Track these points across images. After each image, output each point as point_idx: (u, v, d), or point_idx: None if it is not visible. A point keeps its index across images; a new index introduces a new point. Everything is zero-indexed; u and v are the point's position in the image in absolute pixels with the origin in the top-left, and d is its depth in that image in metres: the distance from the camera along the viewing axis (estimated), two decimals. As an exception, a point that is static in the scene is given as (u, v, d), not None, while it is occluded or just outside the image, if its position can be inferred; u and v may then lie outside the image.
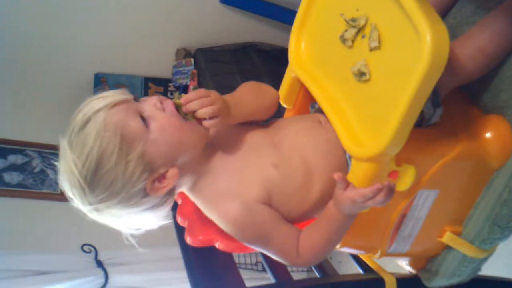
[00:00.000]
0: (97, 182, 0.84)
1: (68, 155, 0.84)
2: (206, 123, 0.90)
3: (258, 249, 0.97)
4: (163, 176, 0.88)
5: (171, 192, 0.92)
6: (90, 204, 0.86)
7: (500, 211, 0.96)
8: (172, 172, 0.88)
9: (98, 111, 0.85)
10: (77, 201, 0.87)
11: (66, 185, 0.87)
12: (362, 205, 0.85)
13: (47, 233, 2.39)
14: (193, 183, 0.95)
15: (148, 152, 0.86)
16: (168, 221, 0.95)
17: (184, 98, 0.89)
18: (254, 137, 0.98)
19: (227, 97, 0.96)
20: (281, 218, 0.93)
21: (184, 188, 0.96)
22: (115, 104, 0.86)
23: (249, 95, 1.03)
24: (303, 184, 0.94)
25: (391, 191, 0.84)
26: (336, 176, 0.85)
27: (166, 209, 0.93)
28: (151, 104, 0.89)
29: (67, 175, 0.85)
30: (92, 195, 0.85)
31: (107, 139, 0.83)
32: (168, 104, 0.90)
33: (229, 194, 0.92)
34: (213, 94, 0.91)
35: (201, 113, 0.89)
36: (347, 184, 0.86)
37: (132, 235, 0.93)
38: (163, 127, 0.87)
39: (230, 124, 0.99)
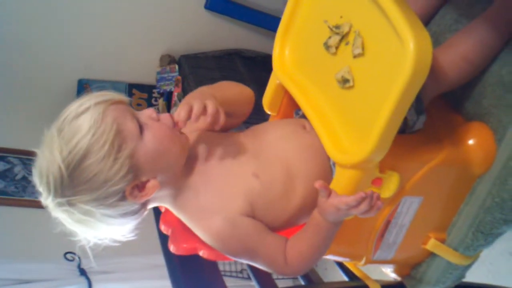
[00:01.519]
0: (79, 172, 0.82)
1: (54, 141, 0.82)
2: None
3: (245, 262, 0.96)
4: (143, 185, 0.87)
5: (144, 205, 0.91)
6: (63, 196, 0.83)
7: (484, 217, 0.97)
8: (152, 183, 0.88)
9: (98, 103, 0.84)
10: (47, 193, 0.84)
11: (41, 172, 0.83)
12: (346, 212, 0.85)
13: (30, 241, 2.36)
14: (174, 198, 0.94)
15: (137, 155, 0.85)
16: (133, 237, 0.92)
17: (181, 119, 0.88)
18: (234, 146, 0.97)
19: (205, 88, 0.97)
20: (266, 228, 0.93)
21: (165, 203, 0.96)
22: (116, 102, 0.87)
23: (226, 86, 1.03)
24: (285, 191, 0.94)
25: (374, 201, 0.84)
26: (317, 184, 0.85)
27: (135, 222, 0.91)
28: (147, 114, 0.89)
29: (46, 162, 0.82)
30: (70, 185, 0.82)
31: (101, 130, 0.82)
32: (165, 115, 0.91)
33: (211, 209, 0.91)
34: (197, 103, 0.89)
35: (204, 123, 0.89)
36: (329, 192, 0.85)
37: (114, 242, 0.91)
38: (156, 135, 0.87)
39: (209, 132, 0.99)
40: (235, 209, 0.91)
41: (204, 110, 0.88)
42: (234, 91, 1.04)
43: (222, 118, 0.90)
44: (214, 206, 0.92)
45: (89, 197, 0.83)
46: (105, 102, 0.85)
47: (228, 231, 0.90)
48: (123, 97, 0.89)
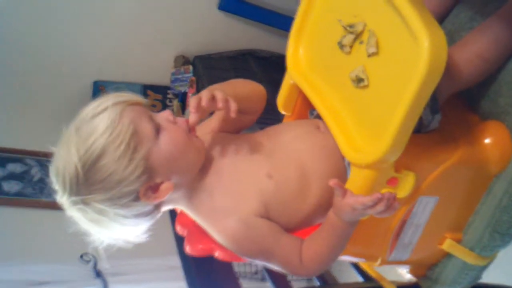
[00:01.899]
0: (95, 171, 0.82)
1: (72, 139, 0.83)
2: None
3: (260, 263, 0.96)
4: (157, 187, 0.88)
5: (158, 207, 0.91)
6: (78, 194, 0.84)
7: (500, 217, 0.96)
8: (166, 185, 0.88)
9: (116, 104, 0.86)
10: (63, 191, 0.85)
11: (58, 170, 0.85)
12: (362, 212, 0.84)
13: (46, 242, 2.37)
14: (188, 200, 0.94)
15: (152, 157, 0.86)
16: (147, 238, 0.93)
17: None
18: (247, 147, 0.97)
19: (215, 85, 0.97)
20: (281, 229, 0.92)
21: (180, 205, 0.96)
22: (134, 103, 0.88)
23: (237, 82, 1.03)
24: (299, 191, 0.93)
25: (390, 202, 0.83)
26: (332, 183, 0.84)
27: (148, 223, 0.92)
28: (163, 116, 0.90)
29: (63, 160, 0.84)
30: (85, 184, 0.83)
31: (118, 130, 0.83)
32: (181, 119, 0.91)
33: (226, 211, 0.91)
34: (205, 93, 0.89)
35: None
36: (344, 191, 0.85)
37: (127, 243, 0.92)
38: (172, 138, 0.88)
39: (222, 133, 1.00)
40: (249, 210, 0.91)
41: (213, 99, 0.89)
42: (245, 87, 1.04)
43: (233, 106, 0.90)
44: (228, 207, 0.92)
45: (104, 196, 0.84)
46: (123, 102, 0.86)
47: (243, 232, 0.90)
48: (140, 98, 0.91)
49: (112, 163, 0.82)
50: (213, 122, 1.05)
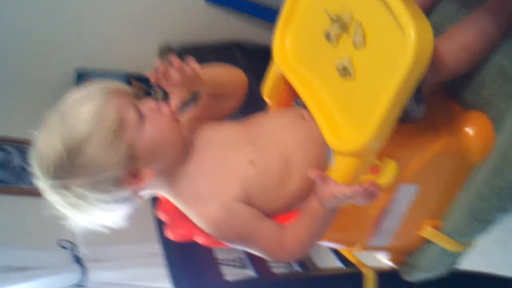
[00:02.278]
0: (78, 156, 0.83)
1: (56, 124, 0.84)
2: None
3: (241, 248, 0.97)
4: (138, 173, 0.89)
5: (138, 192, 0.91)
6: (59, 178, 0.84)
7: (480, 205, 0.97)
8: (147, 171, 0.89)
9: (102, 91, 0.86)
10: (43, 174, 0.85)
11: (40, 154, 0.85)
12: (343, 200, 0.86)
13: (26, 228, 2.35)
14: (170, 186, 0.95)
15: (136, 144, 0.87)
16: (126, 224, 0.93)
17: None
18: (230, 133, 0.98)
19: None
20: (262, 215, 0.93)
21: (162, 191, 0.97)
22: (119, 91, 0.89)
23: (214, 66, 1.03)
24: (282, 179, 0.94)
25: (371, 192, 0.84)
26: (312, 174, 0.86)
27: (128, 209, 0.92)
28: (148, 105, 0.91)
29: (46, 144, 0.84)
30: (67, 168, 0.83)
31: (104, 116, 0.84)
32: (164, 106, 0.92)
33: (207, 196, 0.92)
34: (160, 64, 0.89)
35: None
36: (324, 179, 0.87)
37: (106, 228, 0.92)
38: (156, 126, 0.89)
39: (204, 119, 1.01)
40: (230, 195, 0.92)
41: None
42: (222, 70, 1.05)
43: (189, 69, 0.90)
44: (209, 192, 0.93)
45: (85, 181, 0.84)
46: (108, 89, 0.87)
47: (224, 217, 0.91)
48: (126, 87, 0.91)
49: (96, 149, 0.83)
50: (194, 110, 1.05)
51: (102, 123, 0.83)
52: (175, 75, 0.90)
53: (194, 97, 2.11)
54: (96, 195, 0.86)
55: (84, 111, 0.84)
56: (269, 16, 2.42)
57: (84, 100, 0.85)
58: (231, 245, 0.97)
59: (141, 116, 0.88)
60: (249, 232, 0.92)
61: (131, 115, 0.87)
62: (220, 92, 1.03)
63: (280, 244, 0.92)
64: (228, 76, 1.05)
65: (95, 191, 0.85)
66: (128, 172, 0.87)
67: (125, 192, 0.89)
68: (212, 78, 0.99)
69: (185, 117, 1.02)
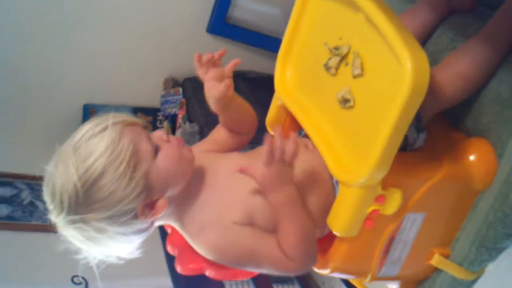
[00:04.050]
0: (95, 190, 0.83)
1: (70, 158, 0.83)
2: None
3: (250, 269, 0.97)
4: (153, 204, 0.89)
5: (152, 222, 0.92)
6: (77, 213, 0.83)
7: (486, 232, 0.97)
8: (162, 202, 0.89)
9: (115, 123, 0.86)
10: (60, 210, 0.84)
11: (54, 189, 0.84)
12: (277, 173, 0.87)
13: (37, 265, 2.35)
14: (178, 215, 0.95)
15: (150, 175, 0.87)
16: (139, 254, 0.93)
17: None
18: (235, 165, 0.98)
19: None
20: (262, 232, 0.93)
21: (170, 221, 0.97)
22: (132, 123, 0.90)
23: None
24: None
25: (285, 145, 0.86)
26: (239, 171, 0.88)
27: (141, 240, 0.93)
28: (158, 135, 0.92)
29: (61, 179, 0.83)
30: (85, 203, 0.83)
31: (119, 150, 0.84)
32: (173, 137, 0.94)
33: (210, 224, 0.93)
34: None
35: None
36: (252, 171, 0.88)
37: (120, 260, 0.92)
38: (167, 156, 0.90)
39: (214, 152, 1.02)
40: (230, 218, 0.92)
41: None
42: (246, 104, 1.07)
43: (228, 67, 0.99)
44: (212, 220, 0.93)
45: (104, 214, 0.84)
46: (121, 122, 0.87)
47: (223, 239, 0.91)
48: (137, 119, 0.92)
49: (113, 182, 0.83)
50: (205, 144, 1.07)
51: (117, 155, 0.83)
52: (216, 64, 0.98)
53: (199, 130, 2.13)
54: (114, 228, 0.86)
55: (98, 143, 0.83)
56: (271, 45, 2.45)
57: (97, 133, 0.85)
58: (239, 267, 0.96)
59: (154, 147, 0.89)
60: (252, 248, 0.91)
61: (145, 146, 0.88)
62: (236, 128, 1.05)
63: (285, 255, 0.91)
64: (248, 109, 1.07)
65: (114, 224, 0.85)
66: (144, 204, 0.87)
67: (143, 224, 0.89)
68: (238, 101, 1.02)
69: (195, 149, 1.04)
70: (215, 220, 0.93)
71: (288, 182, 0.90)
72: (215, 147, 1.06)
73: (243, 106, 1.06)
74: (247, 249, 0.91)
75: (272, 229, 0.93)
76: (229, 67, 1.00)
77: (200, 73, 0.99)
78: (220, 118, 1.06)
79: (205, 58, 0.97)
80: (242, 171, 0.87)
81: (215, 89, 0.97)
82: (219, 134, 1.08)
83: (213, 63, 0.98)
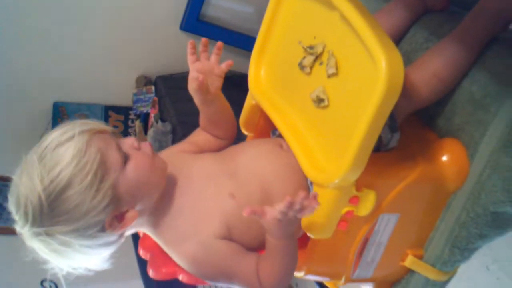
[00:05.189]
0: (60, 202, 0.79)
1: (34, 168, 0.80)
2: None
3: (223, 284, 0.95)
4: (122, 216, 0.86)
5: (122, 234, 0.89)
6: (42, 225, 0.80)
7: (459, 233, 0.98)
8: (131, 213, 0.86)
9: (83, 132, 0.83)
10: (24, 221, 0.81)
11: (19, 200, 0.81)
12: (287, 220, 0.82)
13: (5, 269, 2.30)
14: (151, 224, 0.93)
15: (119, 186, 0.84)
16: (108, 266, 0.91)
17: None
18: (210, 166, 0.97)
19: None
20: (242, 250, 0.92)
21: (143, 229, 0.95)
22: (100, 131, 0.86)
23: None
24: None
25: (306, 202, 0.81)
26: (245, 213, 0.81)
27: (111, 251, 0.90)
28: (129, 143, 0.89)
29: (25, 189, 0.80)
30: (49, 215, 0.80)
31: (85, 160, 0.80)
32: (145, 144, 0.90)
33: (186, 234, 0.91)
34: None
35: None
36: (262, 211, 0.83)
37: (88, 271, 0.89)
38: (138, 165, 0.87)
39: (186, 153, 1.00)
40: (209, 231, 0.90)
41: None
42: (230, 110, 1.07)
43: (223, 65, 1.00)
44: (189, 230, 0.91)
45: (69, 227, 0.81)
46: (89, 131, 0.84)
47: (202, 255, 0.89)
48: (106, 126, 0.89)
49: (79, 194, 0.80)
50: (183, 144, 1.05)
51: (83, 165, 0.80)
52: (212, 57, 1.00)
53: (172, 129, 2.10)
54: (80, 241, 0.82)
55: (64, 153, 0.80)
56: (245, 44, 2.44)
57: (63, 142, 0.81)
58: (212, 283, 0.95)
59: (123, 156, 0.86)
60: (228, 269, 0.90)
61: (113, 156, 0.84)
62: (217, 121, 1.04)
63: (259, 279, 0.90)
64: (230, 114, 1.07)
65: (79, 238, 0.82)
66: (112, 216, 0.84)
67: (111, 236, 0.86)
68: (222, 102, 1.02)
69: (170, 150, 1.01)
70: (193, 232, 0.90)
71: (293, 228, 0.87)
72: (194, 148, 1.03)
73: (226, 110, 1.04)
74: (223, 267, 0.90)
75: (248, 244, 0.92)
76: (222, 68, 1.00)
77: (190, 59, 0.99)
78: (200, 116, 1.05)
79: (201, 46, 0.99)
80: (252, 213, 0.82)
81: (194, 81, 0.97)
82: (199, 136, 1.06)
83: (205, 56, 1.00)
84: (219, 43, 1.00)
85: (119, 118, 2.57)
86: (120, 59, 2.52)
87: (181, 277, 1.02)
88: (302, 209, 0.81)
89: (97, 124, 0.87)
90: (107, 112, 2.56)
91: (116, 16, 2.39)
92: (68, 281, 0.88)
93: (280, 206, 0.80)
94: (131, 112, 2.57)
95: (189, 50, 0.99)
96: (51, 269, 0.87)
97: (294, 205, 0.80)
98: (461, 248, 0.98)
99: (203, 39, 1.01)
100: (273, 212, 0.81)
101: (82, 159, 0.80)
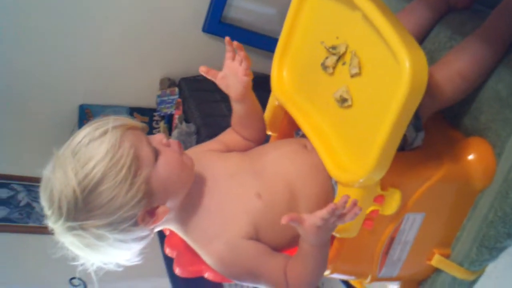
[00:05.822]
0: (95, 196, 0.80)
1: (69, 163, 0.80)
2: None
3: (250, 284, 0.96)
4: (153, 211, 0.87)
5: (152, 229, 0.90)
6: (76, 220, 0.81)
7: (487, 232, 0.97)
8: (163, 208, 0.87)
9: (116, 127, 0.84)
10: (58, 216, 0.81)
11: (52, 194, 0.81)
12: (327, 227, 0.82)
13: (34, 267, 2.34)
14: (179, 222, 0.94)
15: (151, 181, 0.84)
16: (139, 261, 0.91)
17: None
18: (236, 167, 0.97)
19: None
20: (269, 250, 0.92)
21: (171, 226, 0.96)
22: (132, 127, 0.87)
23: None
24: (288, 210, 0.93)
25: (347, 207, 0.81)
26: (284, 220, 0.80)
27: (141, 246, 0.90)
28: (158, 139, 0.90)
29: (59, 184, 0.80)
30: (84, 209, 0.80)
31: (119, 155, 0.81)
32: (174, 142, 0.91)
33: (214, 233, 0.91)
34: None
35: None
36: (301, 218, 0.82)
37: (119, 267, 0.90)
38: (168, 161, 0.87)
39: (214, 152, 1.01)
40: (237, 232, 0.91)
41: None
42: (261, 113, 1.09)
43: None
44: (216, 229, 0.92)
45: (104, 221, 0.81)
46: (122, 126, 0.85)
47: (229, 255, 0.90)
48: (137, 122, 0.90)
49: (113, 188, 0.80)
50: (211, 143, 1.06)
51: (117, 160, 0.80)
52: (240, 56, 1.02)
53: (196, 130, 2.12)
54: (114, 235, 0.83)
55: (98, 148, 0.81)
56: (267, 45, 2.44)
57: (97, 137, 0.82)
58: (239, 282, 0.96)
59: (154, 151, 0.87)
60: (254, 269, 0.90)
61: (145, 151, 0.85)
62: (247, 120, 1.05)
63: (286, 280, 0.90)
64: (260, 115, 1.08)
65: (114, 232, 0.83)
66: (145, 211, 0.85)
67: (143, 231, 0.87)
68: (253, 101, 1.03)
69: (198, 148, 1.02)
70: (221, 232, 0.91)
71: (329, 235, 0.86)
72: (222, 147, 1.04)
73: (254, 111, 1.06)
74: (250, 268, 0.90)
75: (275, 243, 0.93)
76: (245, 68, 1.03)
77: (228, 56, 1.02)
78: (232, 115, 1.06)
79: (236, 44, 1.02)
80: (291, 219, 0.81)
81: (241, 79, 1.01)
82: (229, 136, 1.07)
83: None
84: (236, 44, 1.02)
85: (144, 119, 2.60)
86: (144, 62, 2.54)
87: (207, 275, 1.04)
88: (343, 215, 0.81)
89: (129, 120, 0.88)
90: (132, 113, 2.59)
91: (139, 19, 2.42)
92: (98, 278, 0.89)
93: (322, 212, 0.80)
94: (155, 113, 2.60)
95: (227, 47, 1.03)
96: (80, 266, 0.87)
97: (336, 210, 0.79)
98: (489, 247, 0.97)
99: (227, 39, 1.01)
100: (313, 219, 0.81)
101: (116, 154, 0.81)
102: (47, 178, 0.83)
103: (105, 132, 0.82)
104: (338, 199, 0.90)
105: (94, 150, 0.81)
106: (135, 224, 0.84)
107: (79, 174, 0.79)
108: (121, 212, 0.81)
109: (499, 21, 0.95)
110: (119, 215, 0.81)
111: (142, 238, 0.88)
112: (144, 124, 0.92)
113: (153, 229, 0.90)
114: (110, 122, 0.84)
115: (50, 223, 0.84)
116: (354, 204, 0.81)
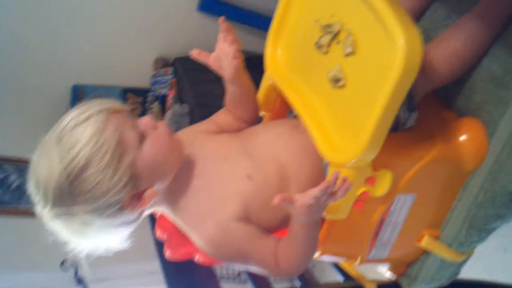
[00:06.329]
0: (80, 182, 0.80)
1: (54, 149, 0.80)
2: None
3: (240, 265, 0.96)
4: (140, 195, 0.87)
5: (141, 213, 0.90)
6: (62, 205, 0.81)
7: (476, 213, 0.97)
8: (150, 192, 0.87)
9: (100, 111, 0.83)
10: (45, 202, 0.82)
11: (39, 181, 0.81)
12: (318, 205, 0.82)
13: (25, 250, 2.34)
14: (169, 204, 0.94)
15: (137, 164, 0.84)
16: (128, 245, 0.91)
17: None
18: (227, 148, 0.97)
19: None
20: (259, 232, 0.92)
21: (160, 208, 0.95)
22: (117, 111, 0.86)
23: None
24: (279, 191, 0.92)
25: (339, 184, 0.81)
26: (276, 200, 0.80)
27: (130, 230, 0.90)
28: (145, 122, 0.89)
29: (45, 170, 0.80)
30: (70, 195, 0.80)
31: (103, 139, 0.81)
32: (162, 123, 0.91)
33: (205, 214, 0.91)
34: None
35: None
36: (292, 198, 0.82)
37: (108, 251, 0.90)
38: (155, 144, 0.87)
39: (204, 133, 1.00)
40: (228, 213, 0.90)
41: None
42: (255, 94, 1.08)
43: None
44: (207, 211, 0.91)
45: (89, 207, 0.81)
46: (106, 110, 0.84)
47: (220, 237, 0.90)
48: (123, 105, 0.89)
49: (98, 173, 0.80)
50: (204, 124, 1.05)
51: (101, 145, 0.80)
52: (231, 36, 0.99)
53: (190, 111, 2.10)
54: (101, 220, 0.83)
55: (82, 133, 0.81)
56: (263, 24, 2.42)
57: (81, 122, 0.82)
58: (229, 263, 0.96)
59: (140, 134, 0.86)
60: (244, 250, 0.90)
61: (130, 135, 0.85)
62: (240, 100, 1.04)
63: (276, 262, 0.90)
64: (253, 94, 1.07)
65: (100, 217, 0.83)
66: (131, 195, 0.85)
67: (130, 215, 0.87)
68: (245, 81, 1.02)
69: (190, 130, 1.01)
70: (211, 213, 0.91)
71: (320, 215, 0.87)
72: (214, 128, 1.04)
73: (247, 91, 1.05)
74: (241, 249, 0.90)
75: (266, 225, 0.92)
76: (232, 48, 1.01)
77: (220, 37, 1.02)
78: (227, 94, 1.05)
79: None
80: (283, 200, 0.81)
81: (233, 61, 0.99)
82: (222, 116, 1.06)
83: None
84: (226, 25, 1.01)
85: (138, 100, 2.58)
86: (138, 41, 2.52)
87: (197, 258, 1.03)
88: (334, 192, 0.81)
89: (114, 103, 0.87)
90: (126, 94, 2.57)
91: (133, -2, 2.39)
92: (88, 262, 0.89)
93: (314, 191, 0.80)
94: (149, 94, 2.58)
95: (221, 27, 1.01)
96: (71, 250, 0.87)
97: (328, 188, 0.79)
98: (478, 229, 0.97)
99: (221, 19, 1.00)
100: (305, 198, 0.81)
101: (100, 138, 0.81)
102: (33, 165, 0.83)
103: (89, 117, 0.82)
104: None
105: (79, 135, 0.81)
106: (122, 208, 0.84)
107: (64, 160, 0.79)
108: (107, 197, 0.81)
109: (495, 0, 0.94)
110: (105, 199, 0.81)
111: (131, 222, 0.88)
112: (130, 107, 0.91)
113: (141, 212, 0.90)
114: (94, 106, 0.84)
115: (38, 209, 0.84)
116: (345, 180, 0.81)
